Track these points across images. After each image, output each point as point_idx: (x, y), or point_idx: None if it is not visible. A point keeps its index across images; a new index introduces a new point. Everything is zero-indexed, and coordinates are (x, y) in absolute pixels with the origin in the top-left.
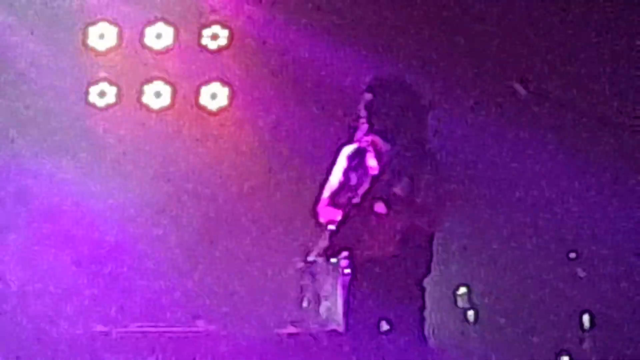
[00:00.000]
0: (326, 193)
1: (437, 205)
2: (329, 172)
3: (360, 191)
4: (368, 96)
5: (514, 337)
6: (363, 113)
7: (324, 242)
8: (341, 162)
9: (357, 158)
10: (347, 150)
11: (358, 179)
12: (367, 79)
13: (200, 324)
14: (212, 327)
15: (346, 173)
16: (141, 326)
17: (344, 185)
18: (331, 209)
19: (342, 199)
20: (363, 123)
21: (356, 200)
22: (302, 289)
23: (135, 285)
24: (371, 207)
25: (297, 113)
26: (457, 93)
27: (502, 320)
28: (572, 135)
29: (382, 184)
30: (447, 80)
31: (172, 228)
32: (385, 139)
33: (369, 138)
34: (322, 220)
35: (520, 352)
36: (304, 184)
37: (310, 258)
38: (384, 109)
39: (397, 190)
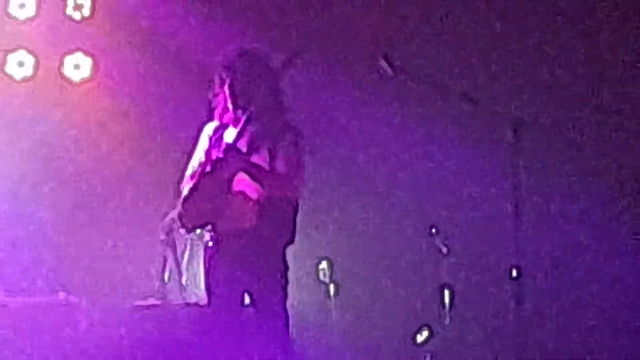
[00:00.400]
0: (188, 172)
1: (296, 175)
2: (192, 148)
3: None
4: (221, 72)
5: (375, 312)
6: (217, 90)
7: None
8: (203, 141)
9: (217, 134)
10: (209, 128)
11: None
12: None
13: (62, 295)
14: (72, 298)
15: (208, 152)
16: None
17: (204, 164)
18: None
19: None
20: (219, 101)
21: (208, 168)
22: (164, 261)
23: None
24: (230, 179)
25: (160, 87)
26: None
27: (363, 295)
28: (429, 109)
29: (239, 154)
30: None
31: (35, 199)
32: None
33: (230, 114)
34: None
35: (381, 327)
36: (166, 157)
37: (165, 224)
38: (238, 83)
39: (255, 160)
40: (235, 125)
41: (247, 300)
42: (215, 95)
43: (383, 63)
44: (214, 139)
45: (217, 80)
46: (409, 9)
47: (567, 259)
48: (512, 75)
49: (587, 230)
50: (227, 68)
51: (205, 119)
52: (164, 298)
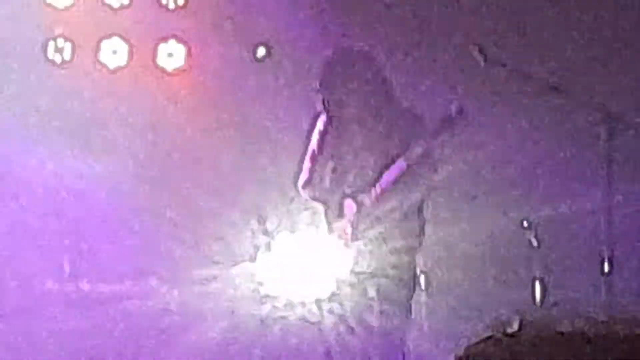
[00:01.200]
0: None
1: None
2: (306, 143)
3: None
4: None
5: (466, 305)
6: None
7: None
8: (314, 136)
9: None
10: (320, 123)
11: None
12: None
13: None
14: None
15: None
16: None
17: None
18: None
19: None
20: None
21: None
22: None
23: None
24: None
25: (253, 77)
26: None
27: (455, 288)
28: (521, 102)
29: None
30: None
31: (131, 190)
32: None
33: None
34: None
35: (471, 320)
36: (258, 149)
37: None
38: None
39: None
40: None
41: None
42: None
43: (476, 53)
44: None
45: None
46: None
47: None
48: (608, 69)
49: None
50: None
51: (316, 113)
52: None
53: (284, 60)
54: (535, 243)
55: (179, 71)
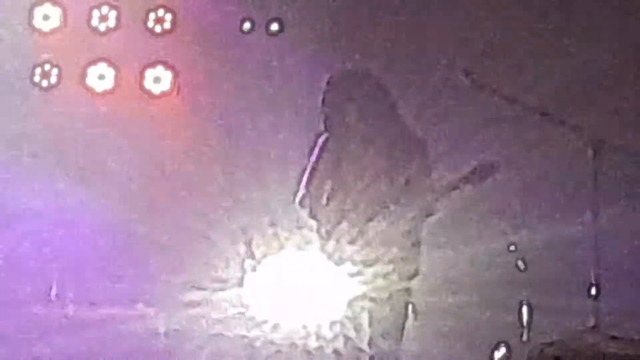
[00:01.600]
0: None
1: None
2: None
3: None
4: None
5: (452, 329)
6: None
7: None
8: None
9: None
10: (321, 140)
11: None
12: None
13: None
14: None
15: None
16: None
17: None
18: None
19: None
20: None
21: None
22: None
23: None
24: None
25: (242, 101)
26: None
27: (441, 312)
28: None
29: None
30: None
31: (119, 210)
32: None
33: None
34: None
35: (458, 344)
36: (248, 171)
37: None
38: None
39: None
40: None
41: None
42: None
43: (463, 77)
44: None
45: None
46: (489, 23)
47: None
48: (595, 94)
49: None
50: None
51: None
52: None
53: (270, 85)
54: (522, 267)
55: (165, 95)
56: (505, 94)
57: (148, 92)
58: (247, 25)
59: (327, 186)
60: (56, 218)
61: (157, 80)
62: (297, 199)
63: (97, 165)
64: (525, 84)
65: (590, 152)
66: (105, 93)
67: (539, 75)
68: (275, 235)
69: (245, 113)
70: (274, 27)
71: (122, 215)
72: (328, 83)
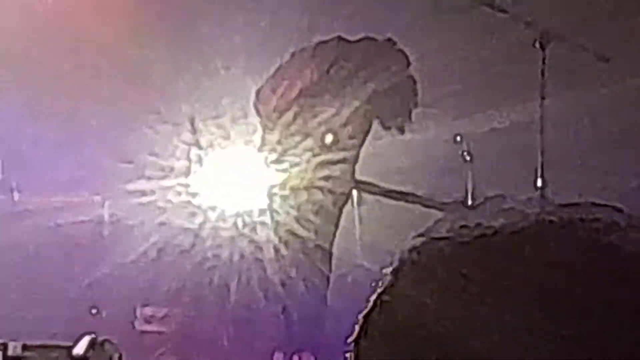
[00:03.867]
0: None
1: None
2: None
3: None
4: None
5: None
6: None
7: None
8: None
9: None
10: None
11: None
12: None
13: None
14: None
15: None
16: None
17: None
18: None
19: None
20: None
21: None
22: None
23: None
24: None
25: None
26: None
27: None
28: None
29: None
30: None
31: None
32: None
33: None
34: None
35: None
36: (193, 59)
37: None
38: None
39: None
40: None
41: None
42: None
43: None
44: None
45: None
46: None
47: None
48: None
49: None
50: None
51: None
52: None
53: None
54: (467, 157)
55: None
56: None
57: None
58: None
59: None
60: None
61: None
62: (255, 92)
63: (42, 54)
64: None
65: (537, 43)
66: None
67: None
68: (221, 124)
69: None
70: None
71: (67, 102)
72: None
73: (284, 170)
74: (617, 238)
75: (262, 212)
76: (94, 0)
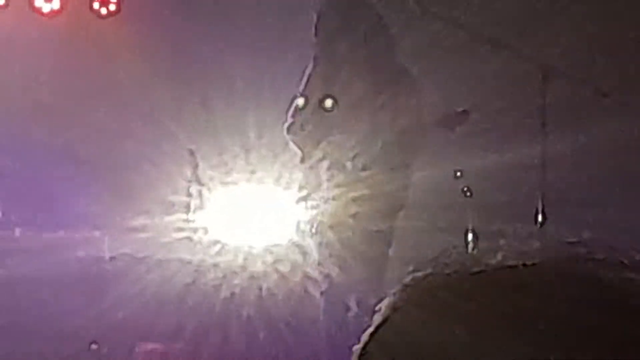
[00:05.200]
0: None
1: None
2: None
3: None
4: None
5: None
6: None
7: None
8: None
9: None
10: None
11: None
12: None
13: None
14: None
15: None
16: None
17: None
18: None
19: None
20: None
21: None
22: None
23: None
24: None
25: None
26: None
27: None
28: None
29: None
30: None
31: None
32: None
33: None
34: None
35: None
36: (194, 95)
37: None
38: None
39: None
40: None
41: None
42: None
43: (413, 4)
44: None
45: None
46: None
47: (592, 211)
48: (544, 21)
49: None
50: None
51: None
52: None
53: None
54: (468, 193)
55: (112, 15)
56: (456, 21)
57: (97, 12)
58: None
59: (313, 115)
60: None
61: (104, 1)
62: (285, 127)
63: (44, 86)
64: (474, 11)
65: (539, 79)
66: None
67: (492, 7)
68: (222, 159)
69: (193, 34)
70: None
71: (68, 138)
72: (319, 14)
73: (290, 206)
74: (618, 278)
75: (263, 247)
76: (96, 40)
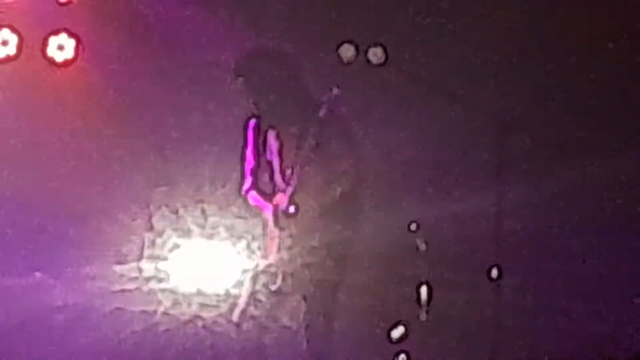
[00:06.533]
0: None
1: None
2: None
3: None
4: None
5: (349, 308)
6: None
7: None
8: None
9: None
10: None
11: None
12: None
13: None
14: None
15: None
16: None
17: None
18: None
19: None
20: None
21: None
22: None
23: None
24: None
25: (147, 71)
26: None
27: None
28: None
29: None
30: None
31: (15, 181)
32: None
33: None
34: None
35: (356, 324)
36: (148, 141)
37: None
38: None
39: None
40: None
41: None
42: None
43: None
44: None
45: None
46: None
47: (548, 261)
48: (501, 77)
49: (570, 234)
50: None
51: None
52: None
53: (178, 52)
54: (422, 247)
55: (68, 63)
56: (418, 75)
57: (51, 60)
58: None
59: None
60: None
61: (60, 47)
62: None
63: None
64: (437, 67)
65: (494, 132)
66: (7, 59)
67: (450, 60)
68: (175, 210)
69: (149, 83)
70: None
71: (21, 186)
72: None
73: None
74: None
75: (216, 296)
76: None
